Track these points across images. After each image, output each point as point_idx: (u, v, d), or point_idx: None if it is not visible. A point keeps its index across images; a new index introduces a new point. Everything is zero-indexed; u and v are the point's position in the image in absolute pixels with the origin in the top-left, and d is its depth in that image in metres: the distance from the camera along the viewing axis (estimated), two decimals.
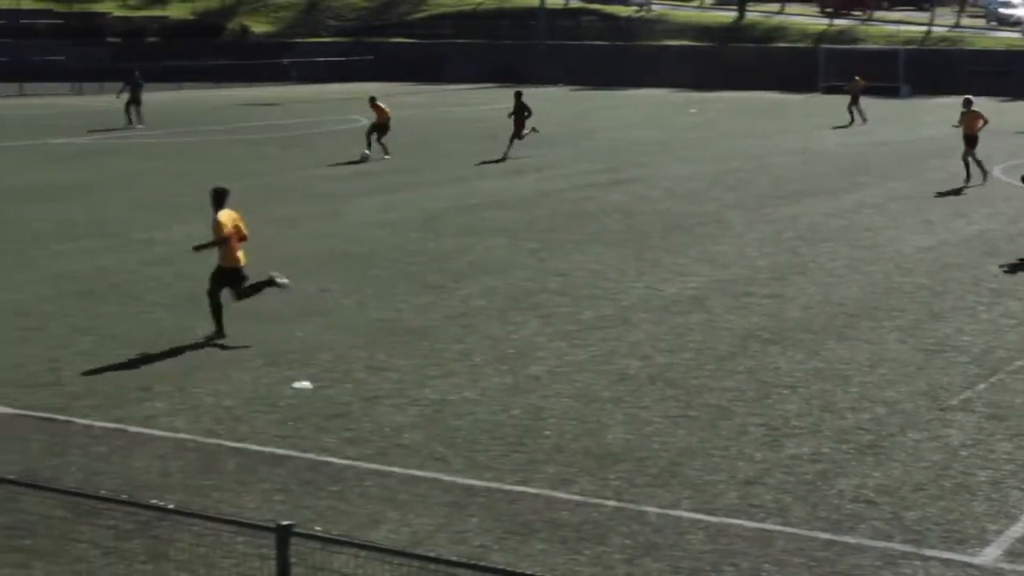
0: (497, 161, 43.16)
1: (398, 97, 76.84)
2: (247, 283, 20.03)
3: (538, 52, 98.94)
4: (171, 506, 10.88)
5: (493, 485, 13.57)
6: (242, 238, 20.13)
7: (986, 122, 38.86)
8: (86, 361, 18.37)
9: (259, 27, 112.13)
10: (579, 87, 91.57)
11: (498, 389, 17.07)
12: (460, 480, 13.73)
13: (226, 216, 20.12)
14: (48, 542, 11.61)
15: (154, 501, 11.77)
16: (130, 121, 57.74)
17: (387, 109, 46.72)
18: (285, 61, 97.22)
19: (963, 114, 38.87)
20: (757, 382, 17.38)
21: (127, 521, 11.62)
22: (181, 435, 15.16)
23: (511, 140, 45.60)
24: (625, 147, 49.15)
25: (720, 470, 14.01)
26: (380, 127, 45.80)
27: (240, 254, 19.98)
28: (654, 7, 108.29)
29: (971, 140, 38.24)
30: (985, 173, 37.92)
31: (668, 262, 25.73)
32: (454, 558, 8.92)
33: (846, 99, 60.98)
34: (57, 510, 11.69)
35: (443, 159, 45.09)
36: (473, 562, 9.39)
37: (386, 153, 44.79)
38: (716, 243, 27.96)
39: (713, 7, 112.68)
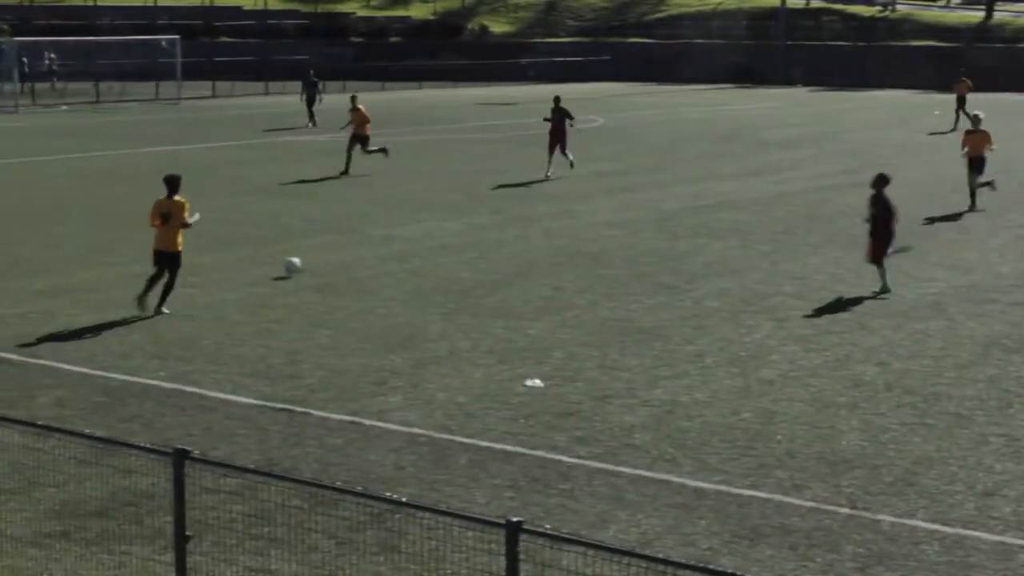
0: (541, 180, 38.25)
1: (633, 97, 76.80)
2: (174, 276, 21.57)
3: (777, 52, 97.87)
4: (403, 499, 11.03)
5: (723, 488, 13.46)
6: (184, 225, 21.63)
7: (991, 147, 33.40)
8: (324, 354, 18.75)
9: (498, 27, 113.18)
10: (818, 88, 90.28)
11: (729, 392, 16.93)
12: (689, 482, 13.65)
13: (156, 205, 21.74)
14: (285, 531, 11.88)
15: (387, 494, 11.94)
16: (313, 122, 57.84)
17: (367, 113, 40.76)
18: (523, 61, 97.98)
19: (968, 133, 33.72)
20: (999, 391, 16.91)
21: (361, 513, 11.82)
22: (414, 429, 15.37)
23: (551, 152, 39.67)
24: (865, 149, 48.30)
25: (958, 480, 13.67)
26: (358, 138, 40.49)
27: (176, 240, 21.50)
28: (899, 7, 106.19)
29: (976, 163, 33.11)
30: (974, 204, 32.76)
31: (907, 266, 25.18)
32: (683, 560, 8.85)
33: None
34: (294, 500, 11.97)
35: (677, 160, 44.90)
36: (702, 565, 9.31)
37: (346, 169, 38.99)
38: (958, 248, 27.30)
39: (960, 6, 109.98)
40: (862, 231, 29.25)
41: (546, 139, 40.40)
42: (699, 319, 20.96)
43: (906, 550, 11.90)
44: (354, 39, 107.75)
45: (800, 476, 13.80)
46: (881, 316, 21.12)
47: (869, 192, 23.71)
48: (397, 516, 11.91)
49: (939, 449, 14.65)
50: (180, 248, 21.53)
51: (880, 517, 12.67)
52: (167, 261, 21.45)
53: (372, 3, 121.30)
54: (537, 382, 17.28)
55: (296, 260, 20.43)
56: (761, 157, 45.66)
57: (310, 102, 59.06)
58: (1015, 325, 20.50)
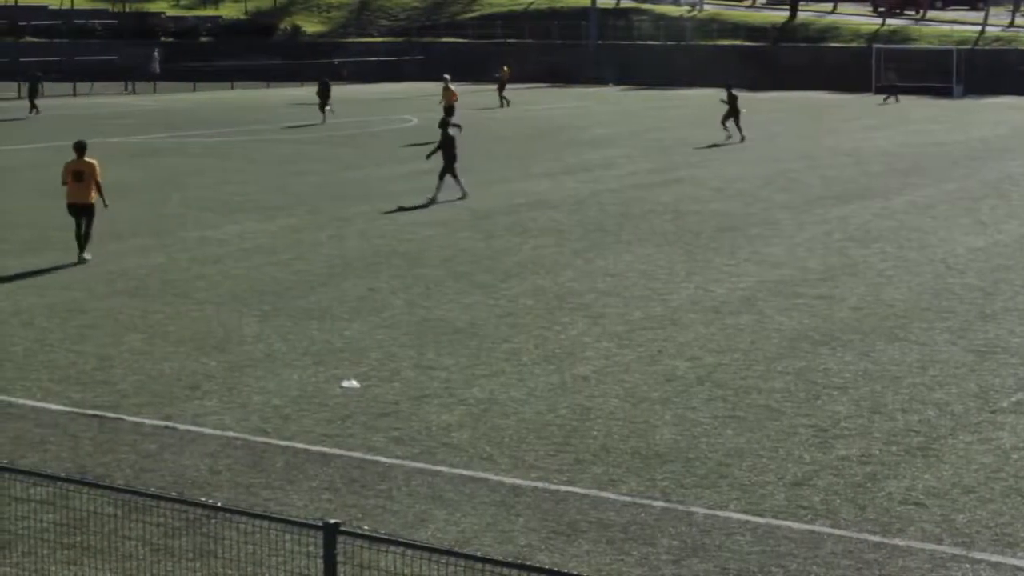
0: (425, 205, 32.99)
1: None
2: (89, 225, 25.65)
3: (589, 52, 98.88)
4: (219, 504, 10.91)
5: (540, 485, 13.55)
6: (90, 183, 25.51)
7: None
8: (136, 359, 18.47)
9: (311, 27, 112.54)
10: (630, 87, 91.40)
11: (545, 389, 17.06)
12: (507, 479, 13.72)
13: (67, 165, 25.80)
14: (98, 539, 11.68)
15: (203, 499, 11.82)
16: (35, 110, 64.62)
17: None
18: (336, 61, 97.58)
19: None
20: (806, 383, 17.30)
21: (176, 519, 11.69)
22: (230, 433, 15.22)
23: (442, 176, 34.45)
24: (675, 147, 49.03)
25: (768, 471, 13.95)
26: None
27: (89, 194, 25.42)
28: (706, 7, 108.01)
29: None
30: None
31: (718, 263, 25.65)
32: (500, 558, 8.91)
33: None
34: (107, 507, 11.77)
35: (491, 159, 45.10)
36: (519, 562, 9.39)
37: None
38: (766, 244, 27.86)
39: (765, 7, 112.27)
40: (674, 228, 29.78)
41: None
42: (515, 317, 21.09)
43: (719, 541, 12.11)
44: (164, 39, 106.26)
45: (616, 471, 13.96)
46: (692, 311, 21.48)
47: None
48: (213, 521, 11.77)
49: (750, 441, 14.94)
50: (93, 201, 25.48)
51: (694, 509, 12.88)
52: (82, 213, 25.45)
53: (182, 2, 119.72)
54: (354, 383, 17.23)
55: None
56: (574, 156, 46.09)
57: (32, 93, 65.77)
58: (821, 318, 20.99)
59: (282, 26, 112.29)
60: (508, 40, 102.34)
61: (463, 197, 34.23)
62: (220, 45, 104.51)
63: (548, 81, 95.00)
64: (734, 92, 51.71)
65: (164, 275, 24.41)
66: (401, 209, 32.69)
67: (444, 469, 14.01)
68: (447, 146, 34.65)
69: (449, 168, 34.55)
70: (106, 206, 26.03)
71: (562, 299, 22.40)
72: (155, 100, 77.57)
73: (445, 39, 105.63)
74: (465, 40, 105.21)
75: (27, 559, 11.34)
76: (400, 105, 65.89)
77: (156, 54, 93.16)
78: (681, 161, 44.25)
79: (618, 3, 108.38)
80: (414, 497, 13.20)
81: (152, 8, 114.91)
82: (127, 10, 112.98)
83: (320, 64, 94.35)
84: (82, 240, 25.48)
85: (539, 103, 76.52)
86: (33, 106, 64.80)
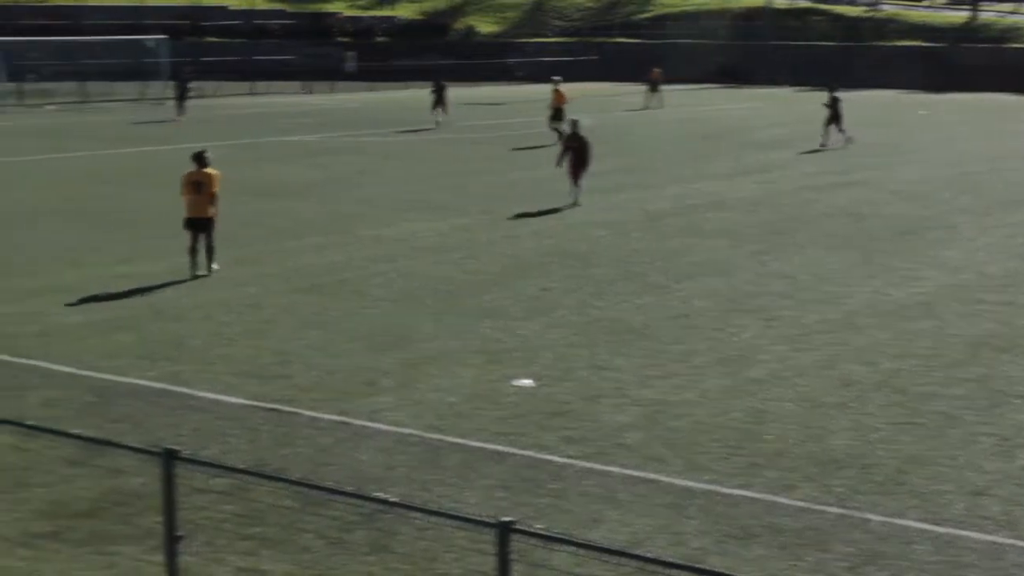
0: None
1: (619, 97, 76.94)
2: (210, 238, 24.12)
3: (762, 52, 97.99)
4: (395, 499, 11.00)
5: (713, 487, 13.45)
6: (210, 195, 24.13)
7: None
8: (314, 354, 18.72)
9: (485, 27, 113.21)
10: (804, 88, 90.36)
11: (719, 391, 16.93)
12: (679, 481, 13.64)
13: (187, 176, 24.35)
14: (276, 531, 11.87)
15: (378, 494, 11.93)
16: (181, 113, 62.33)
17: None
18: (510, 61, 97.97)
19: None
20: (988, 390, 16.93)
21: (351, 513, 11.81)
22: (405, 430, 15.34)
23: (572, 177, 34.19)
24: (852, 148, 48.35)
25: (948, 480, 13.68)
26: None
27: (207, 207, 24.05)
28: (884, 7, 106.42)
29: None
30: None
31: (896, 266, 25.23)
32: (673, 560, 8.86)
33: None
34: (285, 500, 11.96)
35: (665, 160, 44.94)
36: (692, 564, 9.32)
37: None
38: (946, 248, 27.34)
39: (945, 7, 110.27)
40: (851, 231, 29.36)
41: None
42: (688, 319, 20.97)
43: (897, 549, 11.91)
44: (340, 39, 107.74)
45: (790, 476, 13.80)
46: (869, 316, 21.15)
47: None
48: (388, 516, 11.89)
49: (929, 449, 14.66)
50: (211, 214, 24.08)
51: (870, 517, 12.67)
52: (201, 226, 24.05)
53: (359, 3, 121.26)
54: (527, 382, 17.26)
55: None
56: (748, 157, 45.72)
57: (181, 96, 63.45)
58: (1004, 324, 20.54)
59: (456, 26, 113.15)
60: (680, 40, 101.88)
61: (575, 204, 33.32)
62: (395, 45, 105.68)
63: (721, 82, 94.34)
64: (836, 95, 50.42)
65: (340, 272, 24.72)
66: (568, 208, 32.72)
67: (616, 470, 13.97)
68: (582, 150, 34.14)
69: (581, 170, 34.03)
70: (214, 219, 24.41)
71: (736, 301, 22.22)
72: (332, 100, 78.65)
73: (618, 39, 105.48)
74: (639, 40, 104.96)
75: (207, 548, 11.54)
76: (572, 106, 65.87)
77: (351, 55, 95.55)
78: (857, 163, 43.62)
79: (793, 3, 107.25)
80: (587, 497, 13.19)
81: (329, 8, 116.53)
82: (305, 11, 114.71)
83: (492, 64, 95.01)
84: (207, 253, 24.08)
85: (712, 104, 76.07)
86: (181, 108, 62.65)
